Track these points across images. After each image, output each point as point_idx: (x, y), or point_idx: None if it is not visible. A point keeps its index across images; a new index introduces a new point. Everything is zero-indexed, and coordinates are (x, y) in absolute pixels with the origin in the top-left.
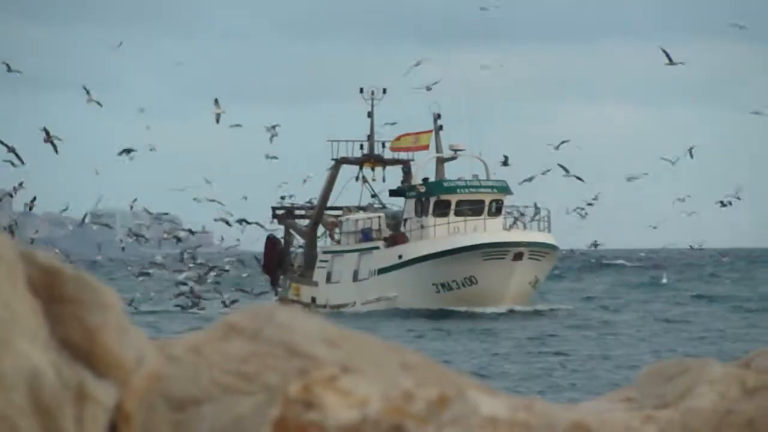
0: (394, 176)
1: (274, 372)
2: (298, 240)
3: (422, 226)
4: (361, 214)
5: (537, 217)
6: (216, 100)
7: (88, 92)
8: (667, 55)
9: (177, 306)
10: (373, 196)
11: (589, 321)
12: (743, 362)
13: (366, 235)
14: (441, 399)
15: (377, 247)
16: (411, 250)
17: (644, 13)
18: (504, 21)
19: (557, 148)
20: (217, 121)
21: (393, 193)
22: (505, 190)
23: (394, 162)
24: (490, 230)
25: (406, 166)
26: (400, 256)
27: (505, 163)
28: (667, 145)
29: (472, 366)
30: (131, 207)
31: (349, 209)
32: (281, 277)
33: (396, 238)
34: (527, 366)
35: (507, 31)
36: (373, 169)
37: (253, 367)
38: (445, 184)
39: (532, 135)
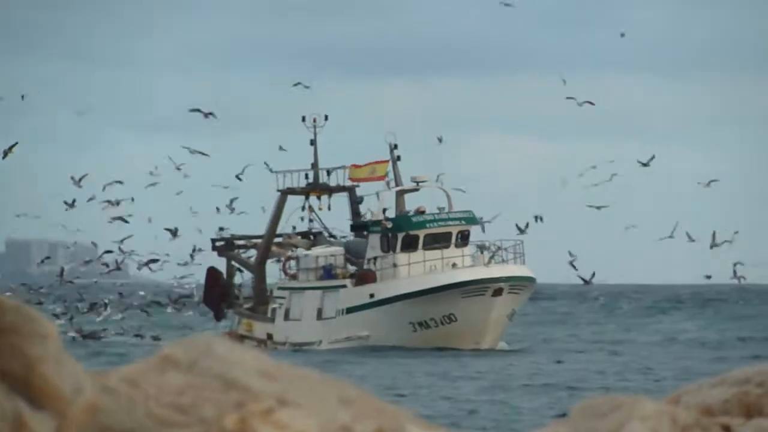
0: (339, 204)
1: (211, 404)
2: (240, 272)
3: (394, 265)
4: (320, 250)
5: (515, 251)
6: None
7: None
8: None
9: None
10: (326, 229)
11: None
12: (672, 399)
13: (328, 272)
14: None
15: (344, 286)
16: (384, 289)
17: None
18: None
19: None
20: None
21: (354, 227)
22: (472, 220)
23: (340, 189)
24: (468, 266)
25: (351, 193)
26: (371, 295)
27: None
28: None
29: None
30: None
31: (289, 236)
32: (226, 311)
33: (364, 276)
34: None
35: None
36: (319, 198)
37: (189, 400)
38: (414, 220)
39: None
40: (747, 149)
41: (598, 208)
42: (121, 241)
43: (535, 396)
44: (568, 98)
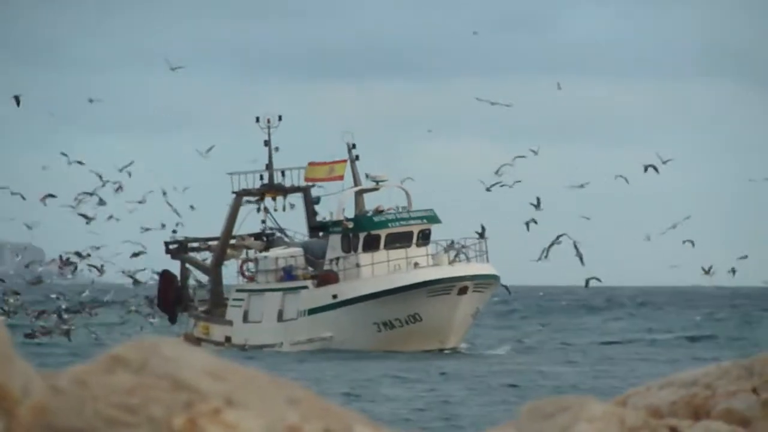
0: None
1: (159, 405)
2: (194, 275)
3: (357, 265)
4: (280, 251)
5: (479, 248)
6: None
7: None
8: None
9: None
10: (281, 230)
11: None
12: (619, 400)
13: (288, 273)
14: None
15: (305, 287)
16: (347, 289)
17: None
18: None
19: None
20: None
21: (314, 228)
22: (433, 219)
23: (295, 190)
24: (432, 265)
25: (307, 194)
26: (334, 296)
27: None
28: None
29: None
30: None
31: (242, 238)
32: (181, 314)
33: (326, 277)
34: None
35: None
36: (274, 199)
37: (138, 400)
38: (376, 220)
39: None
40: (687, 152)
41: (536, 206)
42: (86, 256)
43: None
44: (478, 99)
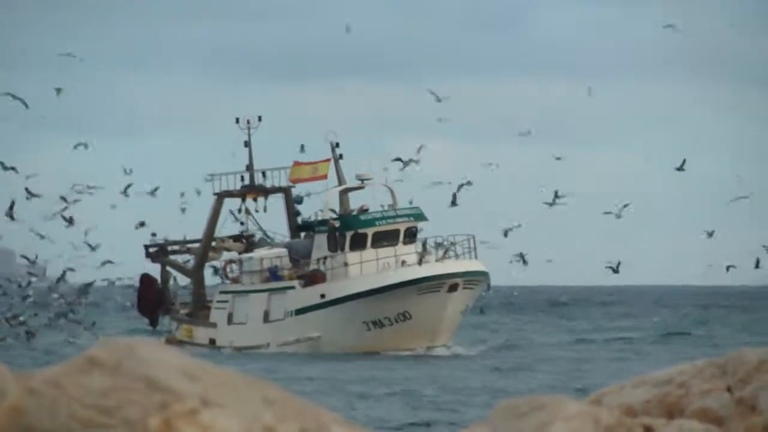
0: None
1: (135, 406)
2: (175, 278)
3: (345, 264)
4: (264, 252)
5: (467, 245)
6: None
7: None
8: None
9: None
10: (262, 231)
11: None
12: (594, 399)
13: (274, 273)
14: None
15: (292, 287)
16: (336, 288)
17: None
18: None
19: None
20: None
21: (299, 228)
22: (420, 217)
23: (276, 190)
24: (422, 263)
25: (288, 194)
26: (322, 296)
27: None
28: None
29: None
30: None
31: (222, 240)
32: (161, 317)
33: (313, 277)
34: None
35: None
36: (255, 200)
37: (113, 401)
38: (363, 218)
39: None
40: (654, 153)
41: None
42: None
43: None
44: (431, 93)
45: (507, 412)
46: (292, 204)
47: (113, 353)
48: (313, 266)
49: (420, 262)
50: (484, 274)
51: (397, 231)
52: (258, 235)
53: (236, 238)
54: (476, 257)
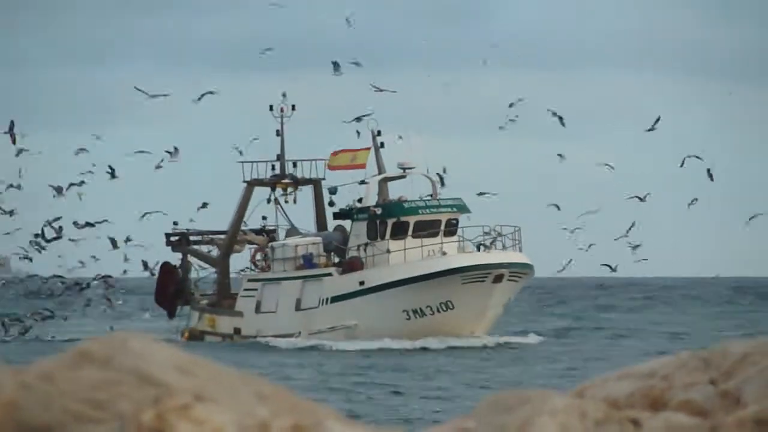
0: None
1: (127, 400)
2: (196, 268)
3: (388, 251)
4: (298, 239)
5: (514, 237)
6: None
7: None
8: None
9: None
10: (290, 223)
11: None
12: (576, 392)
13: (308, 261)
14: (296, 429)
15: (329, 274)
16: (376, 275)
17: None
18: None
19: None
20: None
21: (338, 215)
22: (463, 208)
23: (307, 182)
24: (467, 252)
25: (317, 186)
26: (361, 282)
27: (442, 182)
28: None
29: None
30: None
31: (244, 233)
32: (181, 308)
33: (352, 264)
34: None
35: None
36: (285, 191)
37: (106, 395)
38: (406, 206)
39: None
40: (606, 145)
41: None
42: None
43: None
44: (373, 87)
45: (493, 405)
46: (321, 197)
47: (105, 347)
48: (352, 254)
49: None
50: (530, 267)
51: (439, 222)
52: (281, 230)
53: (258, 232)
54: (521, 250)
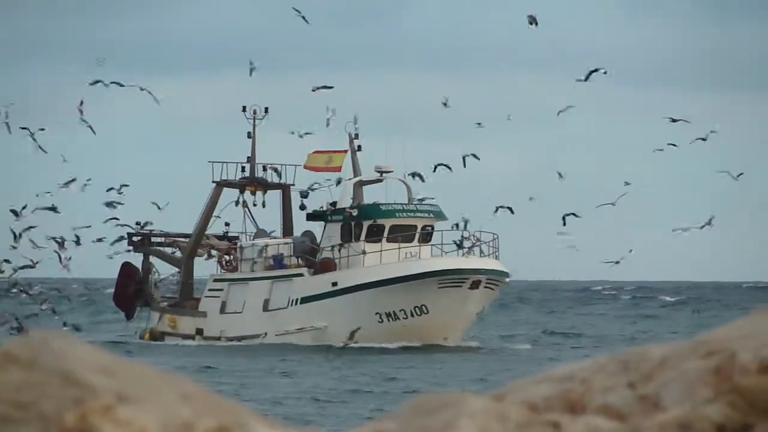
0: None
1: (50, 401)
2: (156, 269)
3: (363, 252)
4: (268, 240)
5: (492, 243)
6: None
7: None
8: None
9: None
10: (257, 226)
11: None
12: (496, 395)
13: (279, 261)
14: (220, 430)
15: (300, 274)
16: (350, 276)
17: None
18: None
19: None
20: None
21: (311, 216)
22: (439, 215)
23: (276, 186)
24: (445, 256)
25: (285, 190)
26: (334, 283)
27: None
28: None
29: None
30: None
31: (207, 237)
32: (140, 309)
33: (325, 265)
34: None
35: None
36: (254, 193)
37: (29, 396)
38: (383, 208)
39: None
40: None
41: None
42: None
43: None
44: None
45: (416, 407)
46: (289, 201)
47: (28, 347)
48: (325, 255)
49: None
50: (506, 275)
51: (414, 227)
52: (246, 236)
53: (220, 238)
54: (498, 257)
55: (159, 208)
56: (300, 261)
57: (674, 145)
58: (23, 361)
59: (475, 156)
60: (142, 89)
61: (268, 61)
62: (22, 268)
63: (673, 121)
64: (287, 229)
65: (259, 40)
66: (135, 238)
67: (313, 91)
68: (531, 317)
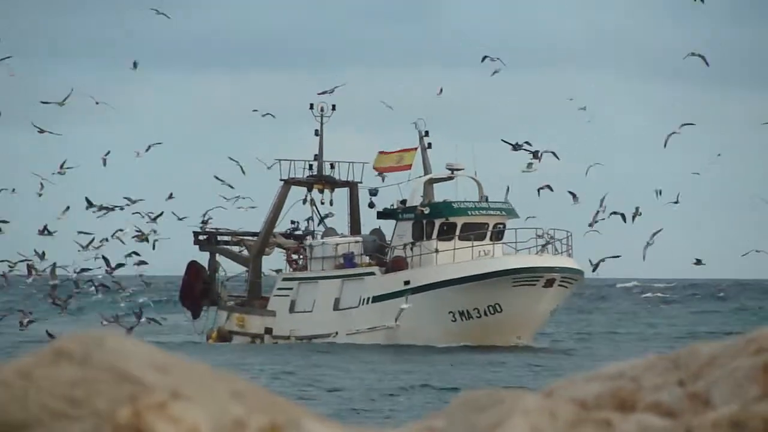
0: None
1: (104, 397)
2: (223, 268)
3: (436, 250)
4: (338, 238)
5: (566, 242)
6: None
7: None
8: None
9: None
10: (322, 218)
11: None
12: (545, 393)
13: (349, 260)
14: (272, 427)
15: (371, 273)
16: (423, 275)
17: None
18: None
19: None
20: None
21: (381, 215)
22: (511, 212)
23: (344, 184)
24: (519, 254)
25: (353, 189)
26: (406, 282)
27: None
28: None
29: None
30: None
31: (273, 235)
32: (207, 308)
33: (396, 263)
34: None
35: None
36: (321, 192)
37: (82, 393)
38: (455, 206)
39: None
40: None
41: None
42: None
43: None
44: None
45: (465, 404)
46: (357, 199)
47: (82, 344)
48: (396, 254)
49: None
50: (580, 273)
51: (486, 225)
52: (316, 235)
53: (287, 236)
54: (571, 255)
55: (225, 200)
56: (370, 260)
57: None
58: (77, 358)
59: (554, 154)
60: (97, 103)
61: (323, 59)
62: (135, 265)
63: None
64: (355, 227)
65: (316, 39)
66: (201, 237)
67: (319, 95)
68: (598, 319)
